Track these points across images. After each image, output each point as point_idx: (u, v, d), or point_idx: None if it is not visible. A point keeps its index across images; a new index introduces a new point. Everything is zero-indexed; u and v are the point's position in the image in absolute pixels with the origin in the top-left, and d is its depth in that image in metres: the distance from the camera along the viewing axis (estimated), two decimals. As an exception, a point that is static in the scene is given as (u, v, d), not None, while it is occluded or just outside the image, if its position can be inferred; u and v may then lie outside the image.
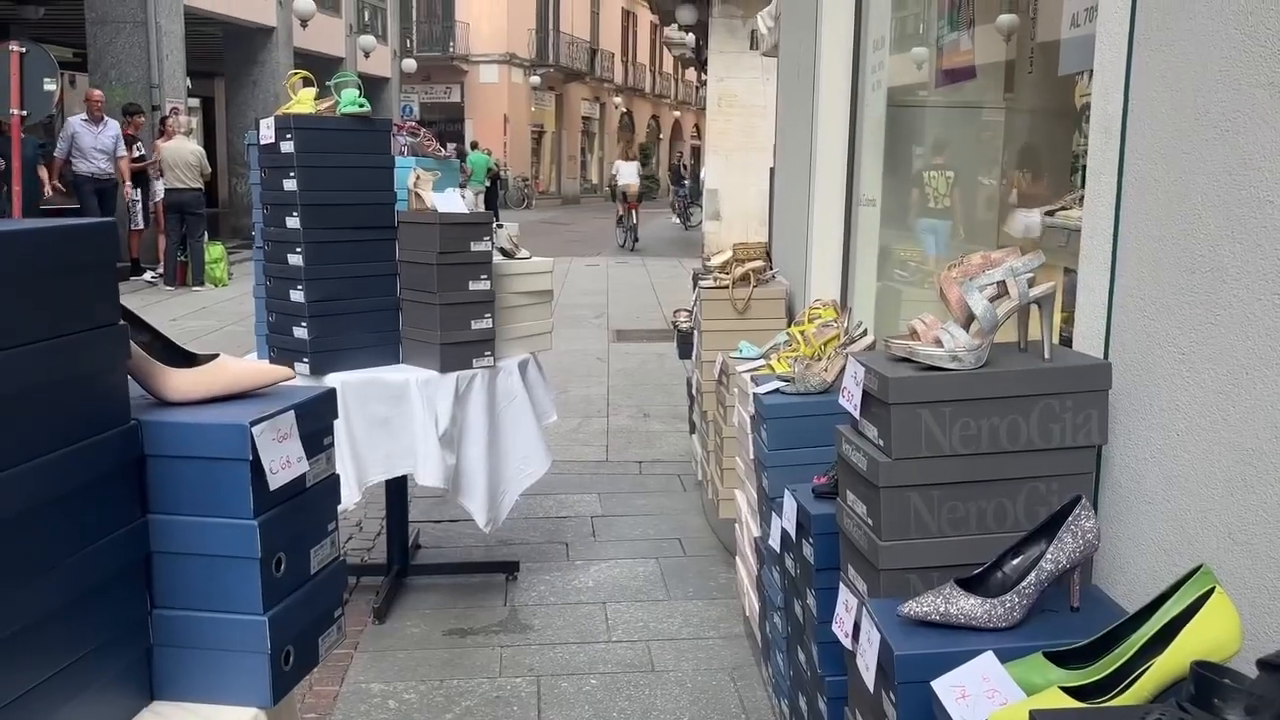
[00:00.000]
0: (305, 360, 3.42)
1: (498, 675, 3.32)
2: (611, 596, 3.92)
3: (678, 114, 49.71)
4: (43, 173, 11.16)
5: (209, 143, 20.47)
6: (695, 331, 4.80)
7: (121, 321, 1.33)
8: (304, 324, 3.41)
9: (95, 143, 11.54)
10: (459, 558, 4.33)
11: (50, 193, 11.41)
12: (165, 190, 11.90)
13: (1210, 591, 1.28)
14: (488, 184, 21.63)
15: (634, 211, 19.88)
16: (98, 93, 11.99)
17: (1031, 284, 1.79)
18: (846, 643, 1.86)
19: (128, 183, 12.03)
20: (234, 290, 11.96)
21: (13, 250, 1.19)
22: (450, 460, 3.53)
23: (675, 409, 6.74)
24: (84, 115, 11.76)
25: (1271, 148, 1.39)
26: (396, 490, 3.99)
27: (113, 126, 11.75)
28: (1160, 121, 1.65)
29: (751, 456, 3.02)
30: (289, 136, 3.32)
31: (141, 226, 12.70)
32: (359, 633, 3.57)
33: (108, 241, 1.32)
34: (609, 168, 42.94)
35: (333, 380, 3.40)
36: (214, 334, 9.46)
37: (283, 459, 1.37)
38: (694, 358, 4.93)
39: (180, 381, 1.42)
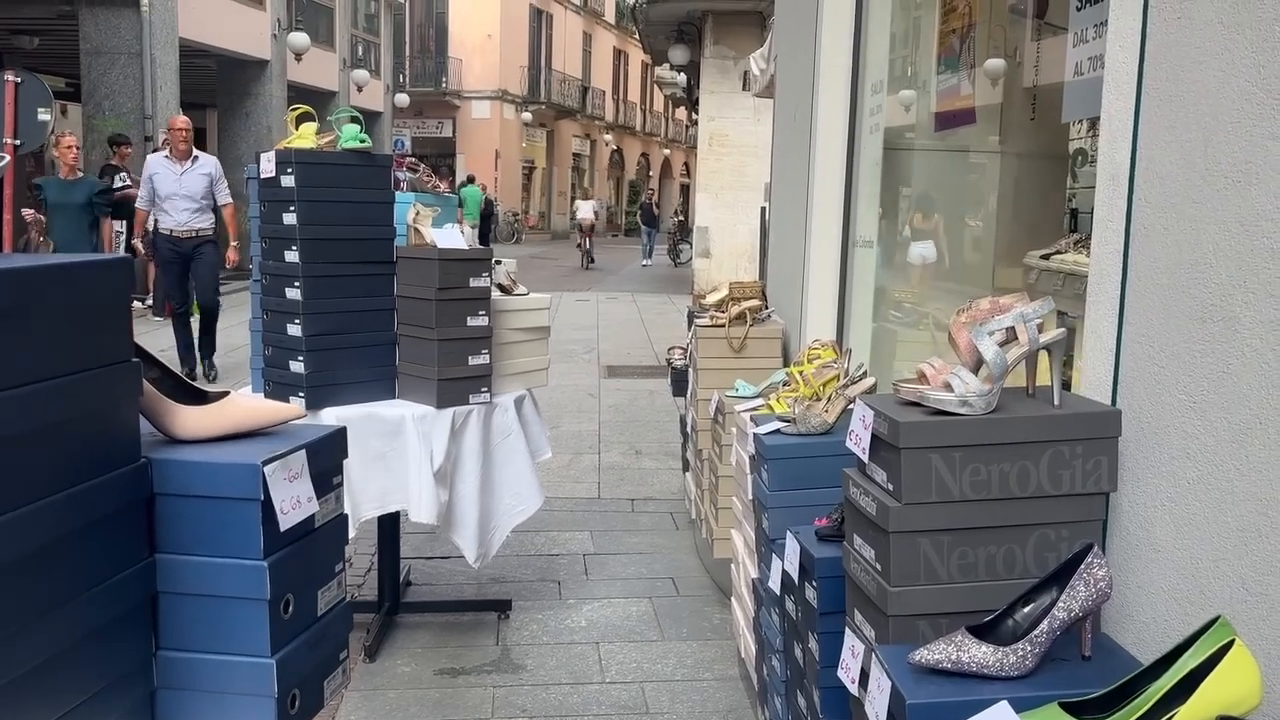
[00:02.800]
0: (301, 395, 3.39)
1: (490, 716, 3.28)
2: (605, 636, 3.89)
3: (667, 152, 50.03)
4: (107, 227, 9.12)
5: (200, 174, 20.45)
6: (690, 369, 4.80)
7: (134, 359, 1.31)
8: (301, 358, 3.39)
9: (179, 187, 8.22)
10: (450, 595, 4.29)
11: (141, 253, 9.08)
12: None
13: (1230, 644, 1.27)
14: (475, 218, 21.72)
15: (590, 239, 25.21)
16: (182, 119, 8.58)
17: (1041, 329, 1.79)
18: (853, 689, 1.84)
19: (234, 244, 8.85)
20: (223, 321, 11.87)
21: (25, 287, 1.17)
22: (444, 496, 3.51)
23: (667, 446, 6.73)
24: (166, 151, 8.48)
25: (1284, 199, 1.40)
26: (388, 526, 3.95)
27: (206, 163, 8.43)
28: (1169, 171, 1.66)
29: (750, 497, 3.01)
30: (290, 171, 3.32)
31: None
32: (351, 669, 3.52)
33: (121, 277, 1.31)
34: (599, 204, 43.36)
35: (328, 415, 3.38)
36: (203, 365, 9.40)
37: (293, 499, 1.36)
38: (688, 395, 4.93)
39: (190, 419, 1.41)
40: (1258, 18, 1.46)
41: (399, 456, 3.47)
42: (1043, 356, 1.83)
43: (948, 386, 1.74)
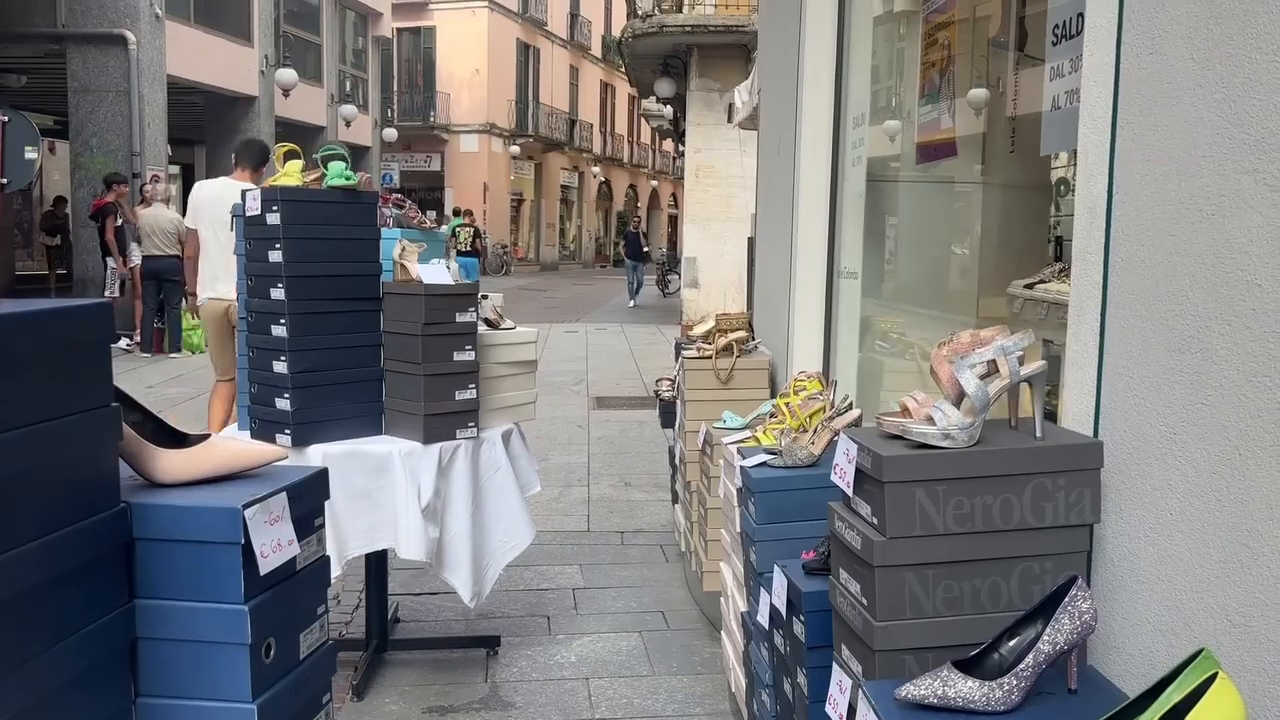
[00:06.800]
0: (287, 432, 3.38)
1: (479, 755, 3.25)
2: (595, 672, 3.86)
3: (655, 183, 50.28)
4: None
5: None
6: (678, 401, 4.80)
7: (114, 403, 1.31)
8: (287, 395, 3.38)
9: None
10: (439, 632, 4.26)
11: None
12: (143, 257, 11.87)
13: (1214, 676, 1.27)
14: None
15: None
16: None
17: (1022, 362, 1.80)
18: (841, 725, 1.83)
19: None
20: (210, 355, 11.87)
21: (1, 335, 1.17)
22: (433, 533, 3.49)
23: (656, 478, 6.71)
24: None
25: (1257, 232, 1.42)
26: (376, 563, 3.93)
27: None
28: (1145, 204, 1.68)
29: (738, 530, 3.00)
30: (275, 208, 3.33)
31: (116, 295, 12.01)
32: (337, 710, 3.48)
33: (101, 322, 1.31)
34: (588, 235, 43.59)
35: (314, 451, 3.37)
36: (190, 401, 9.37)
37: (274, 542, 1.35)
38: (677, 427, 4.92)
39: (171, 463, 1.40)
40: (1228, 54, 1.48)
41: (386, 493, 3.45)
42: (1025, 388, 1.84)
43: (930, 420, 1.75)
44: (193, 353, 12.24)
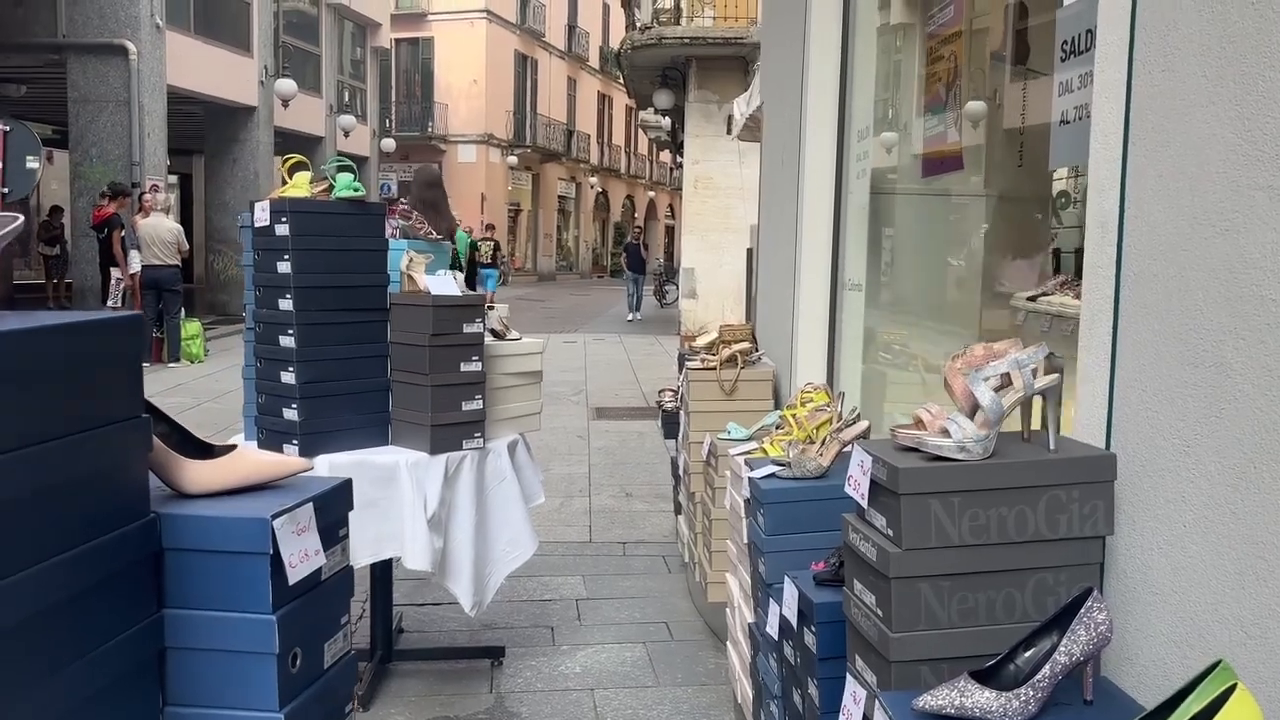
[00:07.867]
0: (294, 442, 3.39)
1: (486, 765, 3.25)
2: (599, 683, 3.87)
3: (652, 194, 50.37)
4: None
5: (186, 219, 20.51)
6: (682, 411, 4.81)
7: (144, 414, 1.32)
8: (294, 406, 3.39)
9: None
10: (443, 642, 4.26)
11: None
12: (142, 267, 11.87)
13: (1232, 688, 1.28)
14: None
15: None
16: None
17: (1036, 375, 1.82)
18: (856, 735, 1.84)
19: None
20: (210, 367, 11.90)
21: (33, 348, 1.18)
22: (438, 543, 3.50)
23: (657, 488, 6.72)
24: None
25: (1272, 247, 1.44)
26: (381, 573, 3.94)
27: None
28: (1158, 219, 1.70)
29: (745, 540, 3.01)
30: (284, 220, 3.35)
31: (119, 306, 11.90)
32: (343, 721, 3.49)
33: (133, 335, 1.32)
34: (585, 246, 43.66)
35: (322, 462, 3.38)
36: (191, 410, 9.36)
37: (301, 552, 1.36)
38: (680, 438, 4.93)
39: (199, 474, 1.41)
40: (1241, 71, 1.50)
41: (393, 503, 3.46)
42: (1037, 401, 1.86)
43: (945, 432, 1.76)
44: (191, 362, 12.24)
